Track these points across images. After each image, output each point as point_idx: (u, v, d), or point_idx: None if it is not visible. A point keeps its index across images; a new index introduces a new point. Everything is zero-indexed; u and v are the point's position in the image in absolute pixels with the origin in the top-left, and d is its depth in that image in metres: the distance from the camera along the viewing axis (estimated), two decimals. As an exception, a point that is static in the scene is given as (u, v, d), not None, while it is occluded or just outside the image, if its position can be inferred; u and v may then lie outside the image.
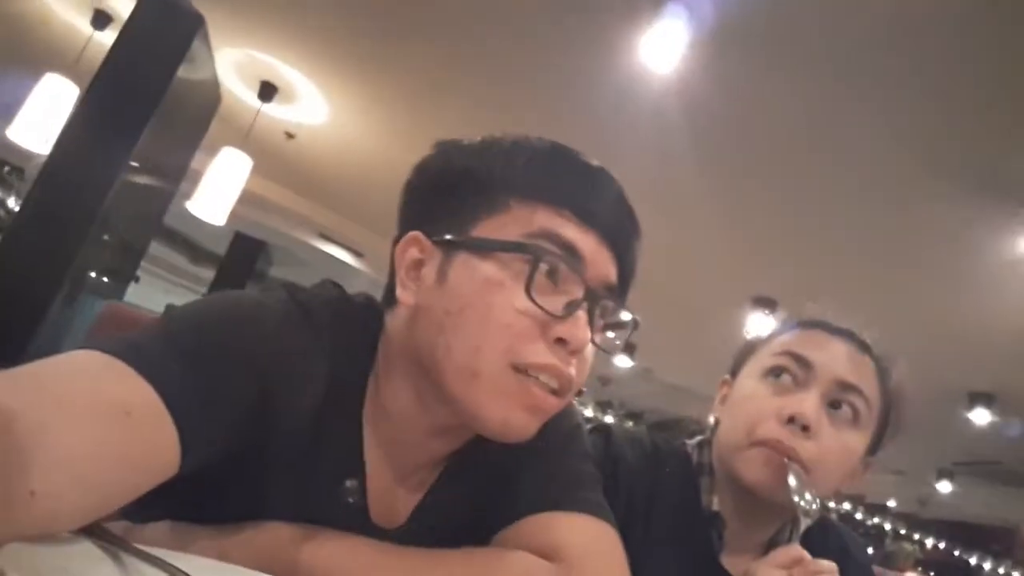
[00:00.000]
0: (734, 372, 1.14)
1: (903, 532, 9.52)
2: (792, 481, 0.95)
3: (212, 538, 0.69)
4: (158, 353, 0.61)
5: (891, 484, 8.28)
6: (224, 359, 0.66)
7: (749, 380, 1.07)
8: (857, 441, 1.02)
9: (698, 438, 1.15)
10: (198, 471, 0.64)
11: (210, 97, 4.17)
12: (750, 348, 1.13)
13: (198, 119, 4.15)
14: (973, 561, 8.85)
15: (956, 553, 9.02)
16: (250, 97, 4.19)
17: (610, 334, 0.80)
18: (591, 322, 0.72)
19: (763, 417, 1.00)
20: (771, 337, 1.11)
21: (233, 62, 3.96)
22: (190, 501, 0.70)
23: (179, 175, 4.18)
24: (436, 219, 0.76)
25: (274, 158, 4.64)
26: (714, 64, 2.84)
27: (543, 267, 0.70)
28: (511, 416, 0.71)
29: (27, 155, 4.70)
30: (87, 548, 0.48)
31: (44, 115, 3.70)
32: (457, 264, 0.73)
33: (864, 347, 1.06)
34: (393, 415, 0.78)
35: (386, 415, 0.78)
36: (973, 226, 3.37)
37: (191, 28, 3.57)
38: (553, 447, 0.81)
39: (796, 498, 0.94)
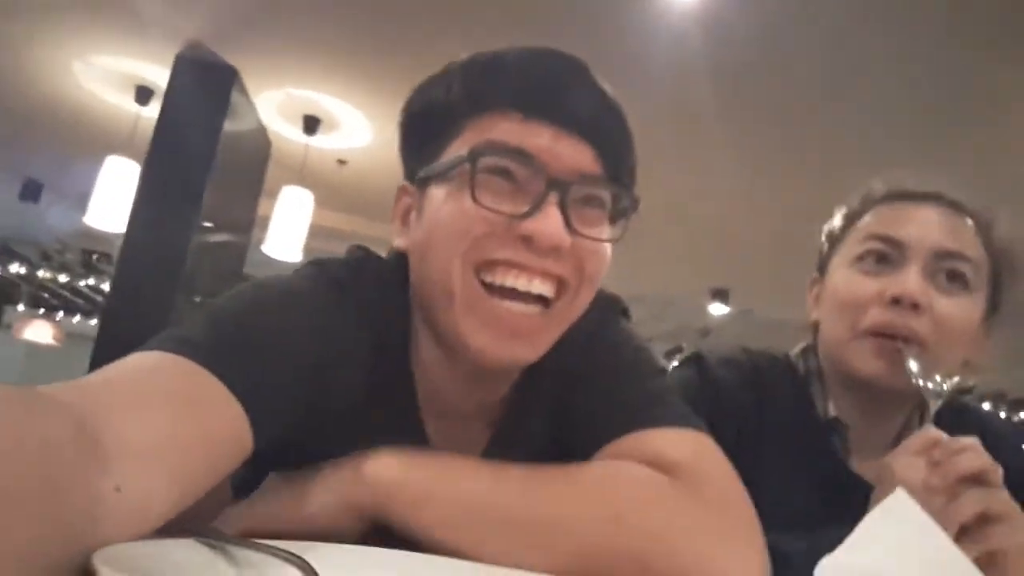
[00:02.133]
0: (821, 268, 1.07)
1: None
2: (912, 365, 0.89)
3: (307, 484, 0.68)
4: (208, 341, 0.62)
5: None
6: (269, 339, 0.66)
7: (841, 271, 1.00)
8: (971, 306, 0.95)
9: (800, 345, 1.09)
10: (268, 458, 0.66)
11: (260, 143, 4.28)
12: (834, 239, 1.06)
13: (254, 167, 4.27)
14: None
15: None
16: (296, 134, 4.26)
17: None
18: (566, 213, 0.68)
19: (865, 304, 0.94)
20: (852, 221, 1.03)
21: (274, 104, 4.03)
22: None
23: (249, 224, 4.31)
24: (415, 161, 0.77)
25: (331, 187, 4.71)
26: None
27: (487, 170, 0.69)
28: (484, 339, 0.69)
29: (111, 240, 4.94)
30: (193, 546, 0.48)
31: (113, 197, 3.87)
32: (428, 197, 0.74)
33: (956, 207, 0.98)
34: (429, 367, 0.78)
35: (426, 372, 0.78)
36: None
37: (227, 82, 3.67)
38: (620, 372, 0.78)
39: (920, 382, 0.88)
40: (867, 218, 1.01)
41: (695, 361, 1.03)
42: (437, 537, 0.61)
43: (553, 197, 0.68)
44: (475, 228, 0.68)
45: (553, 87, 0.71)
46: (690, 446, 0.71)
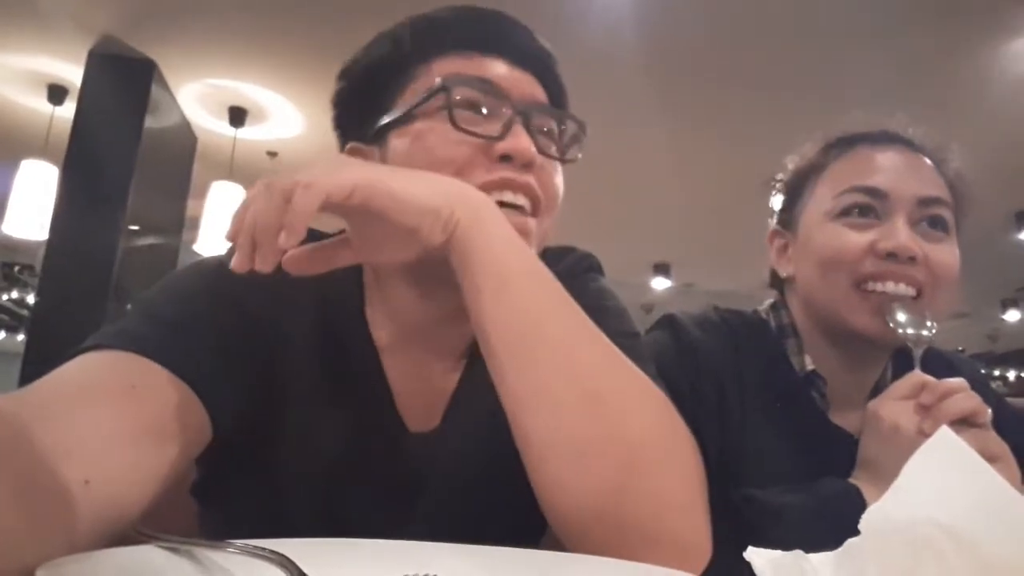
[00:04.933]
0: (784, 221, 1.06)
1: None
2: (900, 316, 0.89)
3: None
4: (142, 329, 0.62)
5: (956, 329, 8.16)
6: (207, 311, 0.67)
7: (823, 226, 0.98)
8: (955, 249, 0.96)
9: (768, 301, 1.08)
10: (245, 431, 0.67)
11: (184, 139, 4.13)
12: (795, 190, 1.05)
13: (180, 164, 4.12)
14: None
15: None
16: (223, 127, 4.12)
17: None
18: (532, 136, 0.72)
19: (856, 258, 0.93)
20: (816, 170, 1.02)
21: (195, 97, 3.89)
22: (249, 466, 0.72)
23: (178, 224, 4.16)
24: (365, 120, 0.77)
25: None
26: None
27: (459, 99, 0.71)
28: None
29: (33, 250, 4.71)
30: (153, 551, 0.46)
31: (32, 203, 3.68)
32: (392, 143, 0.74)
33: (918, 148, 0.99)
34: (400, 312, 0.77)
35: (394, 314, 0.77)
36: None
37: (145, 77, 3.52)
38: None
39: (911, 331, 0.89)
40: (835, 166, 1.00)
41: (669, 323, 1.01)
42: (483, 278, 0.61)
43: (519, 120, 0.72)
44: (459, 154, 0.70)
45: (497, 27, 0.77)
46: None
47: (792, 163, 1.06)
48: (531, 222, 0.72)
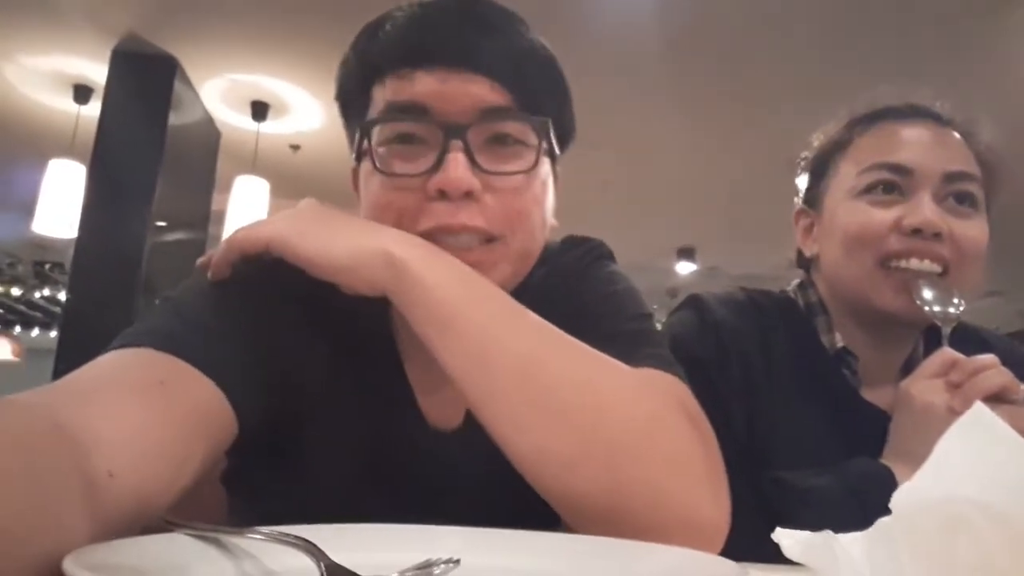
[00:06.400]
0: (809, 200, 1.05)
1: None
2: (927, 294, 0.88)
3: None
4: (169, 327, 0.63)
5: (990, 309, 8.01)
6: (234, 311, 0.67)
7: (847, 203, 0.96)
8: (983, 225, 0.94)
9: (796, 281, 1.07)
10: (271, 429, 0.67)
11: (208, 135, 4.16)
12: (821, 168, 1.03)
13: (204, 159, 4.15)
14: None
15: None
16: (245, 121, 4.15)
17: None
18: (471, 155, 0.67)
19: (881, 236, 0.91)
20: (841, 147, 1.00)
21: (218, 93, 3.91)
22: (276, 462, 0.73)
23: (204, 219, 4.20)
24: (351, 138, 0.76)
25: (287, 175, 4.60)
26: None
27: (388, 139, 0.69)
28: None
29: (62, 248, 4.78)
30: (179, 539, 0.46)
31: (60, 201, 3.73)
32: (360, 175, 0.74)
33: (946, 122, 0.97)
34: None
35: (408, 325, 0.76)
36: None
37: (168, 74, 3.55)
38: (601, 313, 0.76)
39: (937, 308, 0.87)
40: (862, 142, 0.98)
41: (693, 302, 1.00)
42: (426, 327, 0.61)
43: (455, 144, 0.67)
44: (392, 200, 0.68)
45: (433, 30, 0.69)
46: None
47: (817, 141, 1.05)
48: (486, 253, 0.69)
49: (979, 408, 0.42)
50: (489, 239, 0.69)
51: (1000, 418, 0.44)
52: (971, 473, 0.40)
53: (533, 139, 0.71)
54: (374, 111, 0.70)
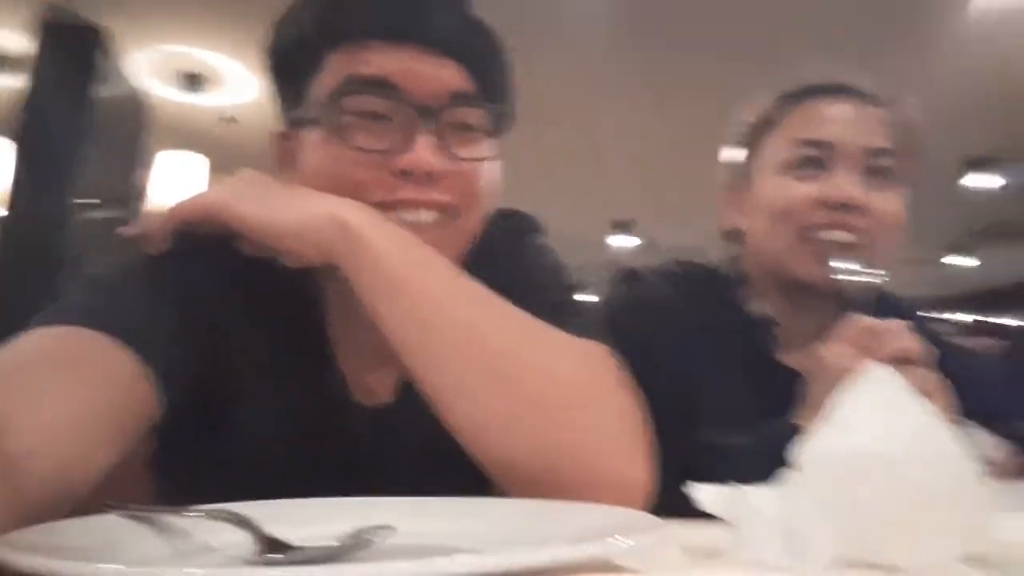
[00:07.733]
0: (740, 175, 1.08)
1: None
2: (843, 264, 0.92)
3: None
4: (86, 302, 0.62)
5: (908, 275, 8.26)
6: (151, 282, 0.67)
7: (773, 178, 1.01)
8: (900, 198, 1.00)
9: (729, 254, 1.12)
10: (197, 405, 0.67)
11: (137, 108, 4.01)
12: (752, 144, 1.07)
13: (134, 133, 4.01)
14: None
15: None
16: (177, 94, 4.02)
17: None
18: (442, 136, 0.68)
19: (804, 209, 0.96)
20: (770, 124, 1.04)
21: (147, 64, 3.78)
22: (204, 441, 0.71)
23: (135, 195, 4.06)
24: (284, 104, 0.75)
25: (224, 148, 4.47)
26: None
27: (352, 110, 0.68)
28: None
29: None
30: (114, 520, 0.47)
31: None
32: (301, 141, 0.72)
33: (869, 99, 1.01)
34: (347, 308, 0.75)
35: (340, 288, 0.76)
36: None
37: (92, 44, 3.41)
38: (533, 284, 0.77)
39: (854, 278, 0.91)
40: (787, 120, 1.02)
41: (628, 276, 1.03)
42: (373, 292, 0.61)
43: (424, 125, 0.68)
44: (352, 173, 0.68)
45: (409, 7, 0.70)
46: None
47: (747, 116, 1.08)
48: (439, 229, 0.70)
49: (872, 367, 0.45)
50: (445, 217, 0.70)
51: (904, 378, 0.48)
52: (869, 426, 0.43)
53: (492, 125, 0.73)
54: (329, 79, 0.69)
